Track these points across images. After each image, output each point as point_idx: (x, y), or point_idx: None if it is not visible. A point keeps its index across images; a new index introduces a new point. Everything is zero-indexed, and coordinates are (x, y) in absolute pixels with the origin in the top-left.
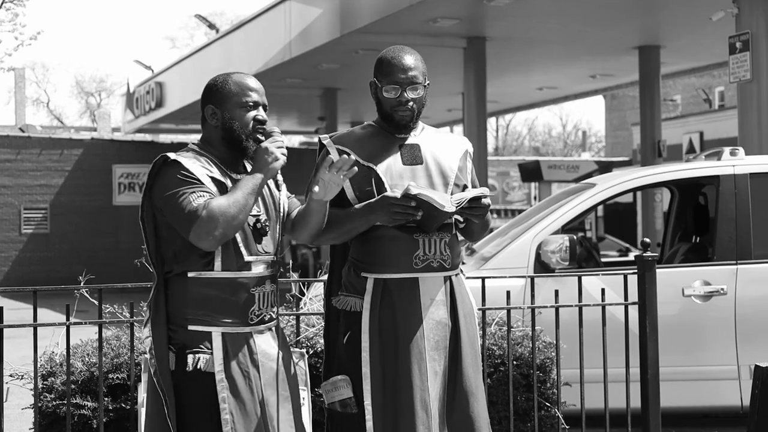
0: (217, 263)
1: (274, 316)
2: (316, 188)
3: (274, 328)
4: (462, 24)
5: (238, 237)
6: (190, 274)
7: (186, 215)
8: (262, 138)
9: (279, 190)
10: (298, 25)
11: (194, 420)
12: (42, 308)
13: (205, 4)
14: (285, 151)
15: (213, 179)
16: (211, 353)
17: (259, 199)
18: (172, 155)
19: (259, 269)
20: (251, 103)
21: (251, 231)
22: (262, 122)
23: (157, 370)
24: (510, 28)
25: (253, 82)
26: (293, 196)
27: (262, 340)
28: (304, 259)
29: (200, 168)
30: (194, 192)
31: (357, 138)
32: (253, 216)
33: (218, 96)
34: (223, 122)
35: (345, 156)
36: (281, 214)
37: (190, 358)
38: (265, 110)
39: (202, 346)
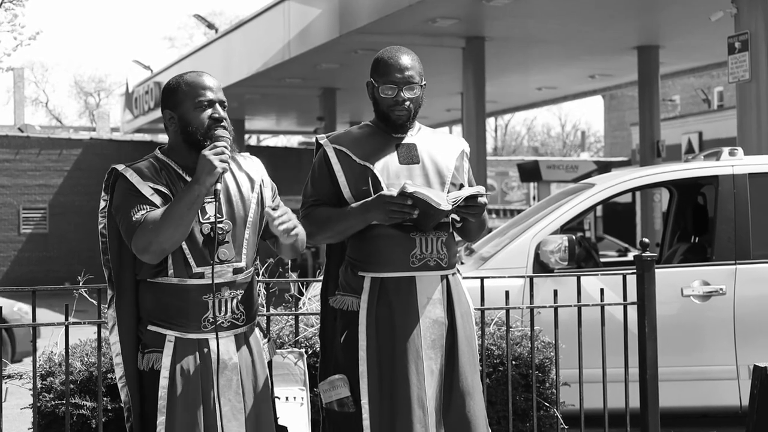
0: (170, 270)
1: (237, 322)
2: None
3: (240, 336)
4: (461, 24)
5: (185, 247)
6: (148, 279)
7: (126, 230)
8: (220, 136)
9: (255, 191)
10: (297, 25)
11: (150, 419)
12: (41, 308)
13: (203, 4)
14: (226, 157)
15: (158, 191)
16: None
17: (224, 204)
18: (119, 167)
19: (216, 277)
20: (205, 102)
21: (204, 239)
22: (218, 120)
23: (123, 374)
24: (509, 28)
25: (207, 80)
26: (278, 205)
27: (220, 346)
28: (302, 258)
29: (145, 180)
30: (136, 206)
31: (354, 138)
32: (209, 223)
33: (172, 99)
34: (181, 126)
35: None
36: (251, 218)
37: (145, 358)
38: (223, 107)
39: (157, 347)
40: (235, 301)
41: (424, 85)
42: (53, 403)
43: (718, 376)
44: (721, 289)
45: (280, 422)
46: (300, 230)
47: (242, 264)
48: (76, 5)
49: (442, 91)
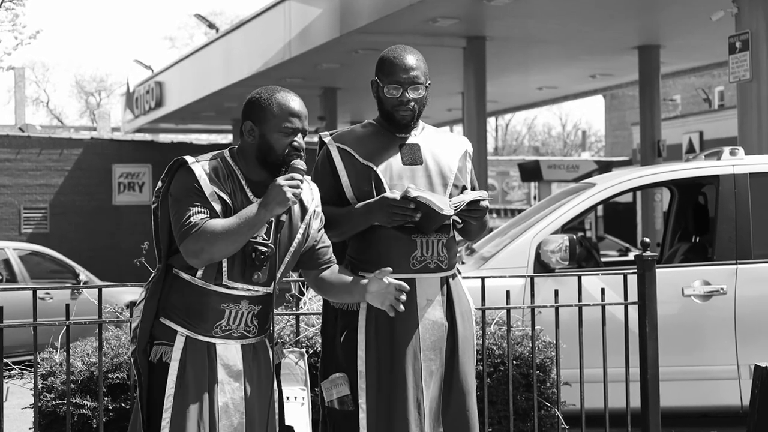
0: (200, 270)
1: (248, 334)
2: (371, 301)
3: (248, 346)
4: (461, 24)
5: (224, 260)
6: (174, 270)
7: (181, 228)
8: (298, 169)
9: (304, 222)
10: (298, 24)
11: (157, 405)
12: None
13: (204, 3)
14: (299, 191)
15: (220, 198)
16: (172, 347)
17: (272, 228)
18: (190, 160)
19: (237, 289)
20: (291, 129)
21: (243, 260)
22: (297, 149)
23: (137, 349)
24: (510, 27)
25: (298, 106)
26: (328, 242)
27: (226, 352)
28: None
29: (212, 183)
30: (196, 206)
31: (357, 136)
32: (257, 244)
33: (259, 114)
34: (260, 143)
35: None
36: (294, 248)
37: (154, 349)
38: (304, 136)
39: (167, 340)
40: (251, 314)
41: (429, 85)
42: (54, 402)
43: (718, 375)
44: (722, 288)
45: (287, 422)
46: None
47: (269, 289)
48: (76, 5)
49: (443, 91)
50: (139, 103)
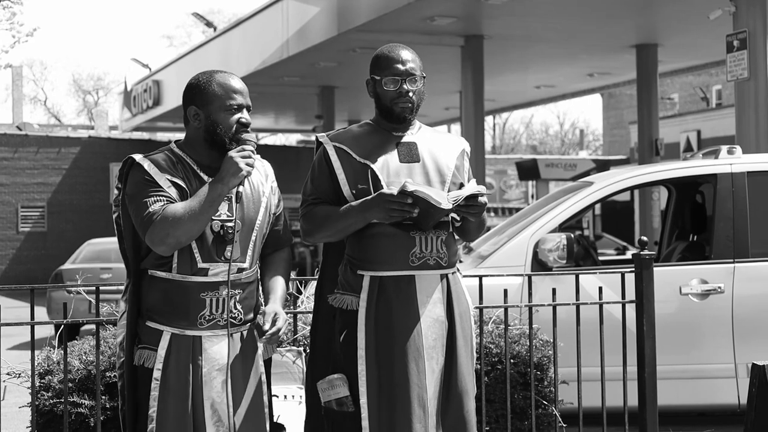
0: (174, 264)
1: (234, 321)
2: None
3: (235, 336)
4: (459, 22)
5: (194, 243)
6: (150, 272)
7: (142, 219)
8: (248, 140)
9: (265, 196)
10: (296, 23)
11: (142, 412)
12: (39, 306)
13: (202, 2)
14: (252, 161)
15: (175, 184)
16: (156, 351)
17: (236, 204)
18: (137, 157)
19: (216, 275)
20: (235, 106)
21: (213, 237)
22: (246, 125)
23: (124, 362)
24: (507, 26)
25: (238, 83)
26: (281, 221)
27: (212, 345)
28: (301, 257)
29: (162, 172)
30: (152, 196)
31: (354, 136)
32: (220, 221)
33: (201, 97)
34: (206, 124)
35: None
36: (259, 221)
37: (137, 353)
38: (248, 111)
39: (152, 343)
40: (233, 300)
41: (425, 78)
42: (51, 401)
43: (716, 374)
44: (720, 287)
45: (279, 420)
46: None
47: (245, 264)
48: (74, 3)
49: (441, 90)
50: (136, 102)
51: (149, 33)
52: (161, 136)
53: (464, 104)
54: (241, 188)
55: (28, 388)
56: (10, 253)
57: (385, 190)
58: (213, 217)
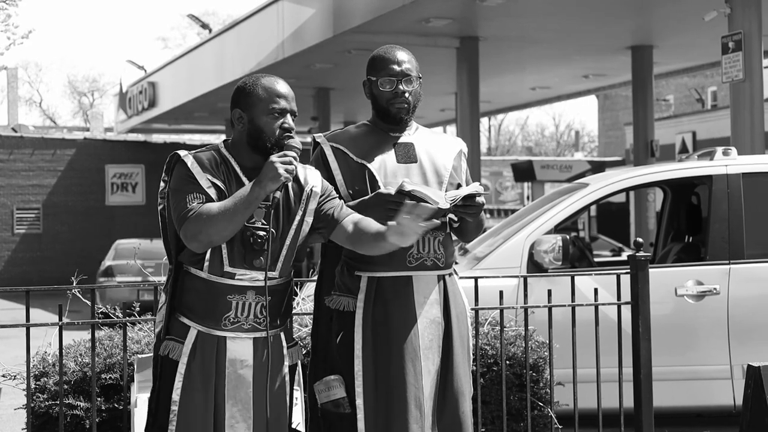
0: (206, 264)
1: (258, 326)
2: (393, 238)
3: (259, 339)
4: (455, 24)
5: (224, 246)
6: (185, 267)
7: (179, 215)
8: (292, 146)
9: (302, 202)
10: (291, 24)
11: (162, 402)
12: (34, 308)
13: (197, 3)
14: (292, 168)
15: (214, 185)
16: (183, 344)
17: (272, 211)
18: (182, 153)
19: (242, 279)
20: (279, 111)
21: (242, 244)
22: (289, 130)
23: (159, 353)
24: (503, 27)
25: (283, 88)
26: (336, 199)
27: (236, 346)
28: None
29: (204, 171)
30: (192, 193)
31: (351, 136)
32: (254, 228)
33: (246, 100)
34: (249, 128)
35: (425, 204)
36: (293, 231)
37: (164, 344)
38: (293, 117)
39: (180, 336)
40: (259, 306)
41: (421, 79)
42: (47, 403)
43: (711, 375)
44: (715, 288)
45: (298, 427)
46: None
47: (275, 273)
48: (69, 5)
49: (436, 91)
50: (132, 104)
51: (144, 35)
52: (156, 138)
53: (460, 106)
54: (279, 194)
55: (24, 390)
56: (5, 255)
57: (382, 189)
58: (246, 224)
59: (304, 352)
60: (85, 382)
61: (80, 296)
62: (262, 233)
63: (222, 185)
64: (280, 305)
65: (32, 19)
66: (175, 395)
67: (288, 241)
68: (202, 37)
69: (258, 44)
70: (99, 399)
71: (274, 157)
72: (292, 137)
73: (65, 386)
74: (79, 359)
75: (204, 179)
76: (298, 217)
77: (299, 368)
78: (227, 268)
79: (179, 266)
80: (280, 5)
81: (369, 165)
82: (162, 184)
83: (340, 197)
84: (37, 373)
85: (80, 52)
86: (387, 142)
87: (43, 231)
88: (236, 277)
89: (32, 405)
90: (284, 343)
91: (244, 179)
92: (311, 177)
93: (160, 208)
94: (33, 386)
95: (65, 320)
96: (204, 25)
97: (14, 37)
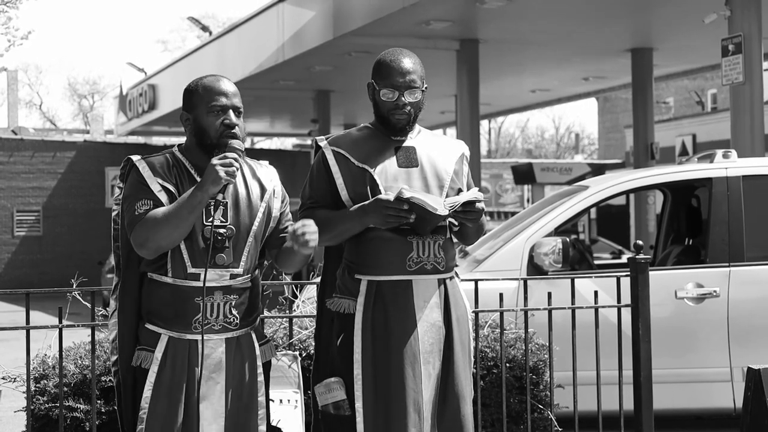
0: (169, 268)
1: (229, 326)
2: (288, 243)
3: (231, 340)
4: (455, 26)
5: (183, 248)
6: (149, 275)
7: (128, 222)
8: (234, 148)
9: (264, 201)
10: (291, 27)
11: (135, 412)
12: (34, 311)
13: (196, 6)
14: (232, 170)
15: (165, 189)
16: (153, 353)
17: (231, 209)
18: (135, 158)
19: (208, 280)
20: (219, 108)
21: (204, 243)
22: (230, 126)
23: (118, 359)
24: (503, 30)
25: (224, 85)
26: (290, 221)
27: (208, 349)
28: None
29: (155, 175)
30: (141, 200)
31: (353, 140)
32: (215, 227)
33: (189, 102)
34: (194, 127)
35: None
36: (256, 227)
37: (136, 354)
38: (237, 113)
39: (150, 345)
40: (228, 305)
41: (426, 89)
42: (47, 405)
43: (712, 378)
44: (715, 291)
45: (278, 424)
46: (315, 241)
47: (239, 270)
48: (70, 7)
49: (436, 94)
50: (132, 106)
51: (144, 37)
52: (157, 141)
53: (460, 108)
54: (220, 196)
55: (24, 392)
56: (5, 257)
57: (381, 195)
58: (205, 223)
59: (304, 355)
60: (85, 385)
61: (80, 299)
62: (222, 230)
63: (173, 188)
64: (248, 304)
65: (32, 21)
66: (143, 404)
67: (251, 239)
68: (202, 40)
69: (258, 47)
70: (99, 401)
71: (214, 160)
72: (235, 134)
73: (65, 388)
74: (79, 361)
75: (155, 183)
76: (260, 215)
77: (299, 371)
78: (191, 270)
79: (142, 276)
80: (280, 8)
81: (370, 169)
82: (117, 190)
83: (340, 201)
84: (37, 375)
85: (80, 54)
86: (388, 146)
87: (43, 233)
88: (200, 278)
89: (32, 407)
90: (255, 342)
91: (199, 180)
92: (268, 176)
93: (113, 214)
94: (33, 388)
95: (65, 323)
96: (204, 28)
97: (14, 39)
